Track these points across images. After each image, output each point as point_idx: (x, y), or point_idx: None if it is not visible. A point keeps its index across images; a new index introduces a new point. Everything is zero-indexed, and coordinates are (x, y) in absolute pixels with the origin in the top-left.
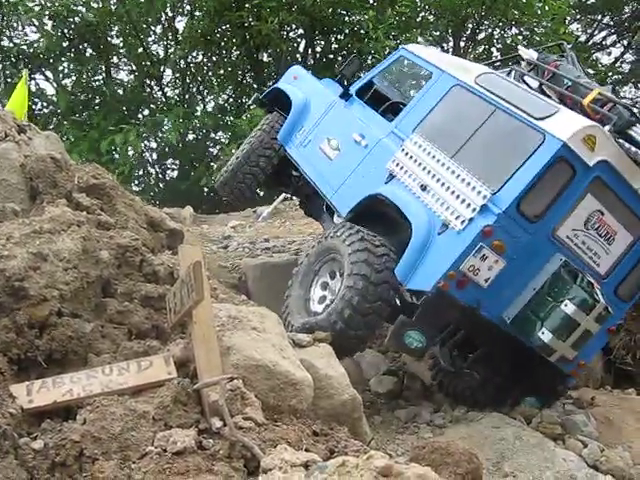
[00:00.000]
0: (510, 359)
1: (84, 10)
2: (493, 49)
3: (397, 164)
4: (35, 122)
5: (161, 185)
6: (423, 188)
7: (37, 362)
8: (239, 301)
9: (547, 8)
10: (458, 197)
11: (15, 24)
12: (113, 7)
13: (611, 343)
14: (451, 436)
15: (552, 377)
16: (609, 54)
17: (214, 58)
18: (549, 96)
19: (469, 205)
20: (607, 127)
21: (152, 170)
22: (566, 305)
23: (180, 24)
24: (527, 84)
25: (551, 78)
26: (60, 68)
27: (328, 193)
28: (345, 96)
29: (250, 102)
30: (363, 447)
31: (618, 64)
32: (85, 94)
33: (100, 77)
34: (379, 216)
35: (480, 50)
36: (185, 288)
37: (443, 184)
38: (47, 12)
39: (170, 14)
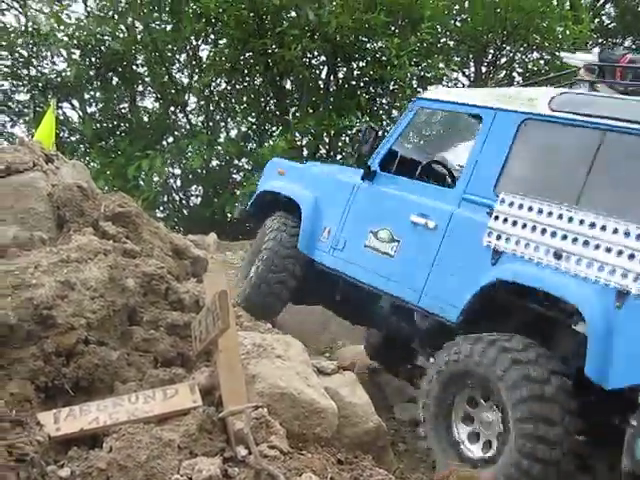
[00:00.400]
0: None
1: (111, 39)
2: (514, 74)
3: (498, 236)
4: (62, 150)
5: (185, 212)
6: (558, 256)
7: (64, 390)
8: (264, 329)
9: (568, 32)
10: (621, 253)
11: (44, 54)
12: (139, 35)
13: None
14: None
15: None
16: None
17: (237, 86)
18: None
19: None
20: None
21: (176, 197)
22: None
23: (204, 52)
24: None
25: (634, 77)
26: (86, 97)
27: (409, 297)
28: (368, 176)
29: (236, 215)
30: (388, 476)
31: None
32: (111, 121)
33: (126, 104)
34: (512, 312)
35: (502, 75)
36: (210, 316)
37: (587, 243)
38: (75, 42)
39: (194, 42)
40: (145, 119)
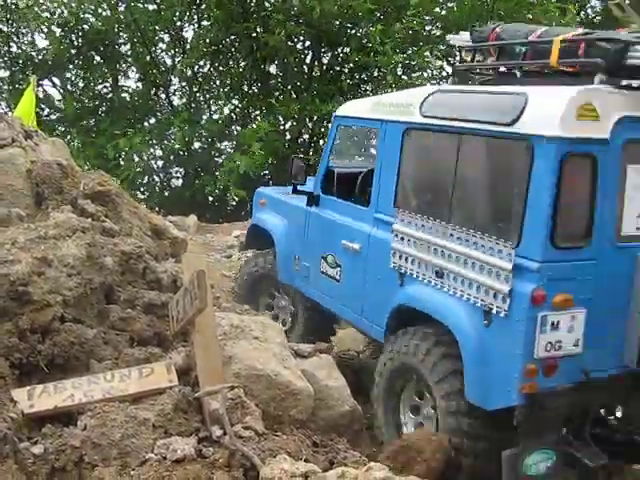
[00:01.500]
0: None
1: (93, 19)
2: None
3: (399, 256)
4: (42, 128)
5: (166, 193)
6: (439, 275)
7: (39, 367)
8: (241, 310)
9: (554, 24)
10: (482, 269)
11: (24, 31)
12: (122, 15)
13: None
14: None
15: None
16: None
17: (221, 68)
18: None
19: (499, 275)
20: (598, 77)
21: (157, 178)
22: None
23: (188, 33)
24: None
25: (500, 53)
26: (68, 75)
27: (353, 320)
28: (312, 201)
29: (238, 251)
30: (362, 458)
31: None
32: (92, 101)
33: (107, 84)
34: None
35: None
36: (188, 296)
37: (458, 259)
38: (56, 20)
39: (178, 23)
40: (127, 99)
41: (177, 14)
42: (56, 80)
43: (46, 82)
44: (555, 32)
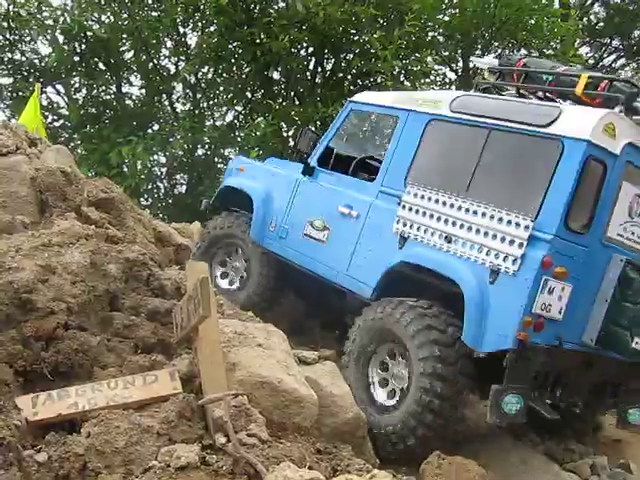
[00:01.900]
0: (599, 379)
1: (96, 26)
2: None
3: (404, 223)
4: (46, 135)
5: (169, 200)
6: (448, 240)
7: (43, 374)
8: (245, 317)
9: (556, 30)
10: (496, 237)
11: (27, 38)
12: (124, 22)
13: None
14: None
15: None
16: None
17: (224, 74)
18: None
19: (513, 242)
20: (617, 108)
21: (161, 185)
22: None
23: (191, 40)
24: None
25: (525, 79)
26: (71, 82)
27: (335, 278)
28: (308, 172)
29: (202, 208)
30: (366, 466)
31: None
32: (96, 108)
33: (111, 91)
34: (415, 288)
35: None
36: (192, 304)
37: (470, 228)
38: (59, 27)
39: (181, 30)
40: (131, 106)
41: (179, 21)
42: (60, 87)
43: (50, 89)
44: (577, 71)
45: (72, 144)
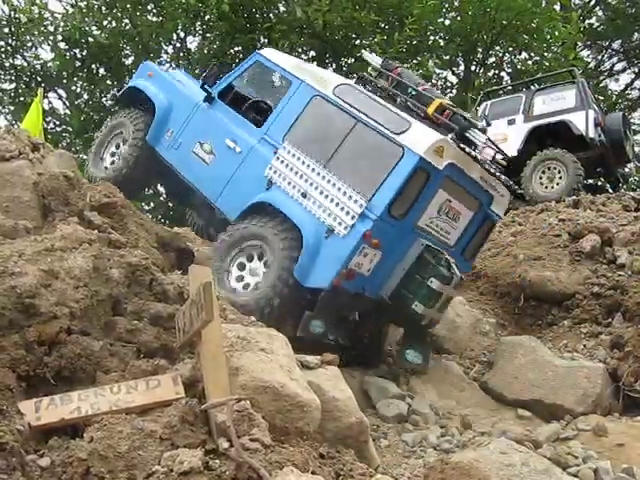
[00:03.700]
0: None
1: (97, 31)
2: (503, 73)
3: (275, 171)
4: (48, 140)
5: (171, 204)
6: (304, 195)
7: (46, 379)
8: (248, 322)
9: (557, 33)
10: (337, 205)
11: (29, 44)
12: (126, 27)
13: (619, 370)
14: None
15: (419, 329)
16: (617, 80)
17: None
18: (395, 100)
19: (348, 213)
20: (450, 135)
21: (162, 189)
22: (432, 282)
23: (192, 44)
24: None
25: (397, 85)
26: (73, 87)
27: (211, 197)
28: (209, 100)
29: (108, 99)
30: (369, 470)
31: (628, 90)
32: (97, 113)
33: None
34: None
35: (490, 74)
36: (195, 308)
37: (322, 192)
38: (60, 34)
39: (182, 35)
40: None
41: (181, 26)
42: (61, 92)
43: (52, 94)
44: (435, 93)
45: (73, 149)
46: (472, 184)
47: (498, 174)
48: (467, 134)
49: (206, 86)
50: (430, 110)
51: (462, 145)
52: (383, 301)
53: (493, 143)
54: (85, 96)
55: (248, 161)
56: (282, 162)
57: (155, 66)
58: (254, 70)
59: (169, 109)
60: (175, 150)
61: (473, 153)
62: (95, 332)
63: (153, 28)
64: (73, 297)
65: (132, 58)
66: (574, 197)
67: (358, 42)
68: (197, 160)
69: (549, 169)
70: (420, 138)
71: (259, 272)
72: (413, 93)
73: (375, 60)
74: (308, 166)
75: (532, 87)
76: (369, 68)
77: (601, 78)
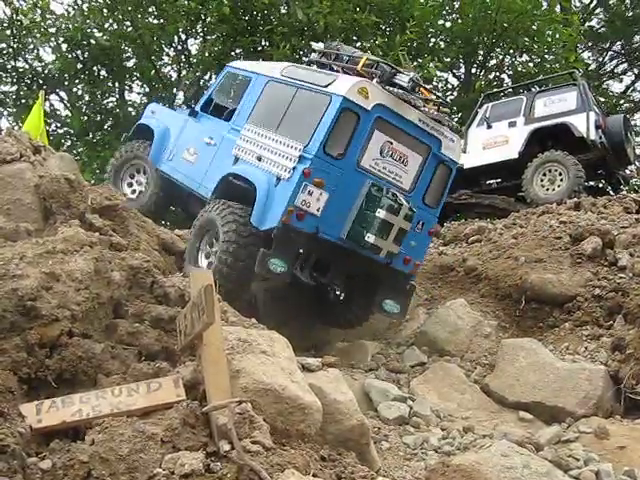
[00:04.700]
0: (362, 274)
1: (98, 33)
2: (504, 75)
3: (239, 149)
4: (49, 142)
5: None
6: (259, 159)
7: (47, 382)
8: (249, 324)
9: (557, 36)
10: (282, 156)
11: (31, 46)
12: (127, 29)
13: (621, 372)
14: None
15: (397, 278)
16: (620, 82)
17: None
18: (338, 72)
19: (290, 159)
20: (375, 80)
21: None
22: (379, 212)
23: (193, 47)
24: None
25: (336, 58)
26: (74, 90)
27: (195, 187)
28: (193, 114)
29: (122, 140)
30: (370, 473)
31: (629, 92)
32: (98, 115)
33: (113, 98)
34: (237, 192)
35: (491, 77)
36: (196, 311)
37: (272, 151)
38: (62, 35)
39: (183, 37)
40: (133, 113)
41: (182, 29)
42: (63, 95)
43: (53, 96)
44: (359, 54)
45: (75, 151)
46: (412, 127)
47: (440, 117)
48: (396, 79)
49: (190, 104)
50: (359, 66)
51: (391, 88)
52: (348, 245)
53: (422, 86)
54: (86, 98)
55: (221, 149)
56: (244, 140)
57: (157, 105)
58: (227, 81)
59: (166, 133)
60: (170, 161)
61: (402, 94)
62: (96, 335)
63: (154, 30)
64: (74, 300)
65: (133, 60)
66: (575, 199)
67: (359, 44)
68: (185, 163)
69: (550, 171)
70: (343, 84)
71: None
72: (347, 59)
73: (319, 46)
74: (263, 135)
75: (533, 89)
76: (316, 53)
77: (603, 80)
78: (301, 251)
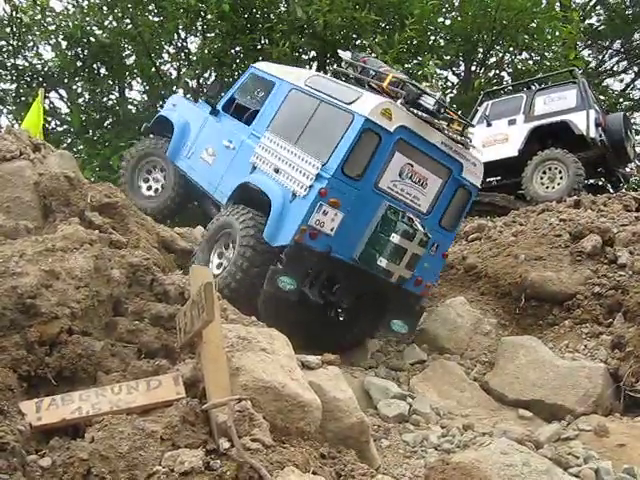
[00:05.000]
0: (371, 293)
1: (98, 31)
2: (504, 73)
3: (257, 157)
4: (49, 140)
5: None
6: (276, 171)
7: (47, 379)
8: (248, 322)
9: (557, 33)
10: (300, 172)
11: (30, 43)
12: (127, 27)
13: (620, 370)
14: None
15: (408, 300)
16: (621, 81)
17: (226, 79)
18: (364, 85)
19: (308, 176)
20: (399, 101)
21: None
22: (393, 237)
23: (193, 45)
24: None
25: (362, 71)
26: (74, 87)
27: (211, 190)
28: (214, 113)
29: (143, 130)
30: (370, 470)
31: (629, 90)
32: (98, 113)
33: (113, 96)
34: (252, 201)
35: (491, 74)
36: (195, 308)
37: (290, 165)
38: (62, 33)
39: (183, 35)
40: (133, 111)
41: (181, 26)
42: (62, 92)
43: (53, 94)
44: (386, 69)
45: (75, 149)
46: (434, 149)
47: (464, 141)
48: (421, 101)
49: (211, 101)
50: (385, 84)
51: (415, 110)
52: (360, 266)
53: (448, 108)
54: (86, 96)
55: (239, 154)
56: (263, 149)
57: (179, 97)
58: (250, 82)
59: (186, 127)
60: (188, 159)
61: (427, 117)
62: (96, 332)
63: (154, 28)
64: (74, 297)
65: (133, 58)
66: (575, 197)
67: (359, 42)
68: (203, 163)
69: (550, 169)
70: (367, 103)
71: (230, 256)
72: (373, 74)
73: (346, 55)
74: (282, 147)
75: (533, 87)
76: (342, 62)
77: (603, 78)
78: (311, 269)
